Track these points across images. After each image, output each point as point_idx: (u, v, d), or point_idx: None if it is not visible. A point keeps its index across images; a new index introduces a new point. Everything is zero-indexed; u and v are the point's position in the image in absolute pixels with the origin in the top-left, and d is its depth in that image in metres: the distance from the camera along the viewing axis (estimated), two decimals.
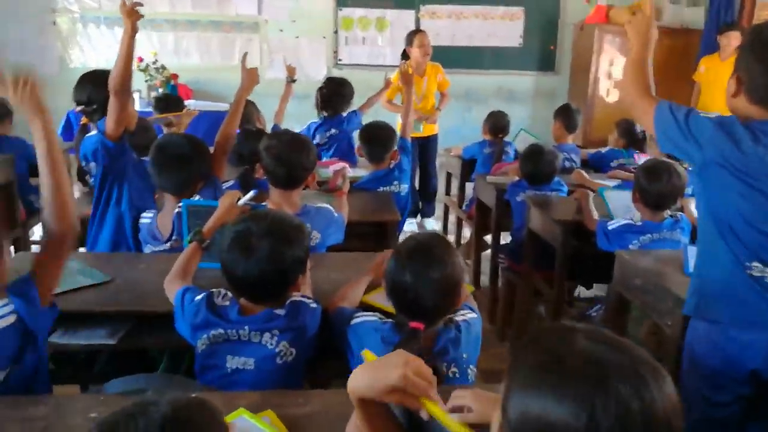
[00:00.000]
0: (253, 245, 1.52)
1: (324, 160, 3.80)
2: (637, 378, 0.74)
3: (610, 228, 2.56)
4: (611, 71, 6.71)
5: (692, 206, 2.64)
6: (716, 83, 5.15)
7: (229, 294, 1.61)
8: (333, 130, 3.96)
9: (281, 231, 1.56)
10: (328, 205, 2.35)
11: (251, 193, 1.94)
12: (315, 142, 3.95)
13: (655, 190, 2.49)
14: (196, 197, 2.23)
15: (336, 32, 6.81)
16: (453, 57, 6.96)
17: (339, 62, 6.86)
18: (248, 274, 1.52)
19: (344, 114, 4.02)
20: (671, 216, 2.56)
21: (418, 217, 5.12)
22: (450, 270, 1.44)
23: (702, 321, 1.76)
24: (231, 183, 2.83)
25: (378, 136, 3.14)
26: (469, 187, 4.39)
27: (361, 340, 1.54)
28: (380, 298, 1.79)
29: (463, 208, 4.36)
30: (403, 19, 6.83)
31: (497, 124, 4.20)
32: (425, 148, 4.91)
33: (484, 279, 3.94)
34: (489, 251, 3.80)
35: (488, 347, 2.30)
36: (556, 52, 7.19)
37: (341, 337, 1.61)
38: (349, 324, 1.59)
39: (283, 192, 2.22)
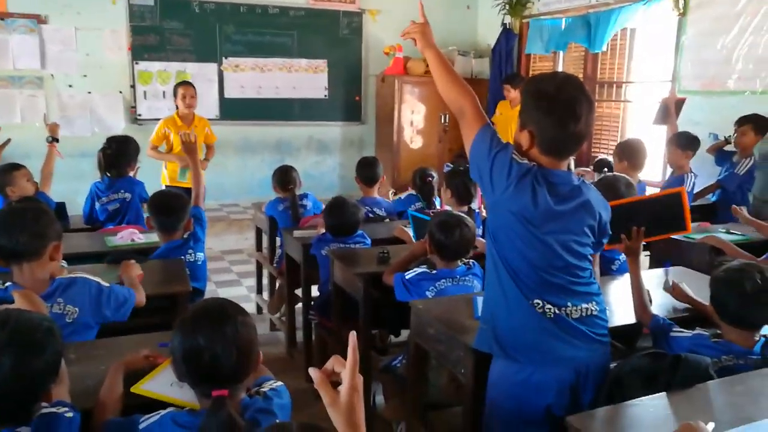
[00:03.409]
0: None
1: (112, 226, 3.50)
2: None
3: (407, 277, 2.59)
4: (413, 119, 7.09)
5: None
6: (509, 126, 5.65)
7: None
8: (124, 193, 3.65)
9: (27, 339, 1.31)
10: (87, 275, 2.09)
11: None
12: (102, 206, 3.63)
13: (448, 243, 2.56)
14: None
15: (133, 86, 6.45)
16: (261, 109, 6.99)
17: (138, 117, 6.48)
18: None
19: (132, 175, 3.74)
20: (464, 263, 2.65)
21: None
22: (242, 327, 1.40)
23: (500, 360, 1.82)
24: None
25: (170, 206, 2.89)
26: (279, 242, 4.29)
27: None
28: (153, 385, 1.61)
29: (274, 264, 4.24)
30: (205, 72, 6.68)
31: (283, 178, 4.10)
32: None
33: (300, 335, 3.84)
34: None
35: (305, 407, 2.20)
36: (361, 102, 7.45)
37: None
38: (137, 428, 1.41)
39: (20, 267, 1.93)
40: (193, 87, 4.91)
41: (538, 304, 1.74)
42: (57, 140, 3.73)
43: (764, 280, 1.82)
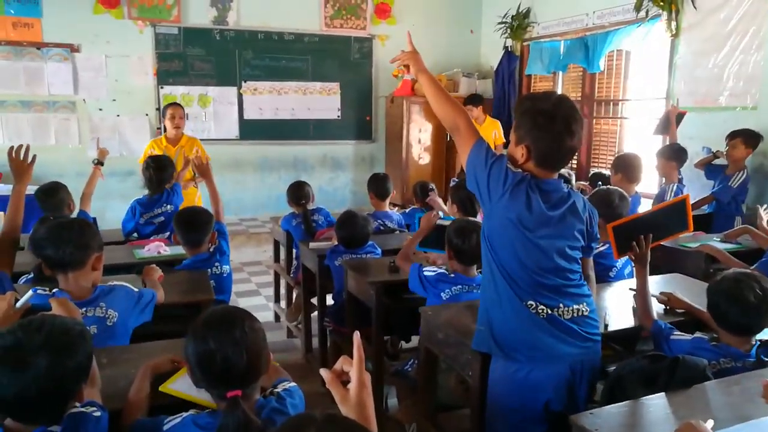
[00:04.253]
0: (26, 361, 1.27)
1: (154, 238, 3.53)
2: None
3: (425, 274, 2.54)
4: (420, 137, 7.11)
5: None
6: None
7: None
8: (167, 206, 3.70)
9: (60, 341, 1.33)
10: (124, 283, 2.15)
11: (29, 293, 1.68)
12: (147, 221, 3.66)
13: (465, 248, 2.54)
14: None
15: (158, 109, 6.53)
16: (278, 129, 7.06)
17: None
18: (23, 395, 1.26)
19: (168, 189, 3.79)
20: (481, 272, 2.63)
21: None
22: (250, 330, 1.41)
23: (499, 360, 1.83)
24: (29, 276, 2.50)
25: (195, 222, 2.91)
26: (296, 253, 4.29)
27: None
28: (179, 385, 1.62)
29: (291, 274, 4.25)
30: (225, 95, 6.77)
31: (296, 193, 4.07)
32: None
33: (316, 341, 3.84)
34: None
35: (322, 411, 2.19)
36: (371, 122, 7.49)
37: None
38: (162, 429, 1.42)
39: (65, 276, 1.99)
40: (182, 108, 4.75)
41: (532, 305, 1.76)
42: (102, 164, 3.82)
43: (763, 290, 1.82)
